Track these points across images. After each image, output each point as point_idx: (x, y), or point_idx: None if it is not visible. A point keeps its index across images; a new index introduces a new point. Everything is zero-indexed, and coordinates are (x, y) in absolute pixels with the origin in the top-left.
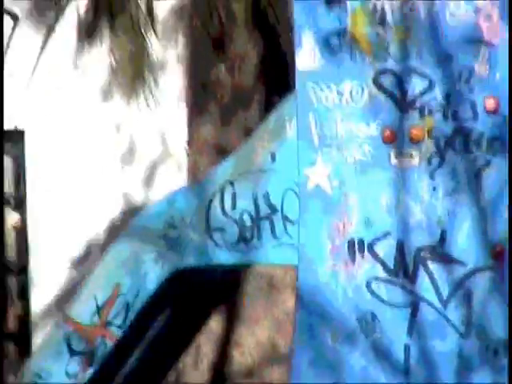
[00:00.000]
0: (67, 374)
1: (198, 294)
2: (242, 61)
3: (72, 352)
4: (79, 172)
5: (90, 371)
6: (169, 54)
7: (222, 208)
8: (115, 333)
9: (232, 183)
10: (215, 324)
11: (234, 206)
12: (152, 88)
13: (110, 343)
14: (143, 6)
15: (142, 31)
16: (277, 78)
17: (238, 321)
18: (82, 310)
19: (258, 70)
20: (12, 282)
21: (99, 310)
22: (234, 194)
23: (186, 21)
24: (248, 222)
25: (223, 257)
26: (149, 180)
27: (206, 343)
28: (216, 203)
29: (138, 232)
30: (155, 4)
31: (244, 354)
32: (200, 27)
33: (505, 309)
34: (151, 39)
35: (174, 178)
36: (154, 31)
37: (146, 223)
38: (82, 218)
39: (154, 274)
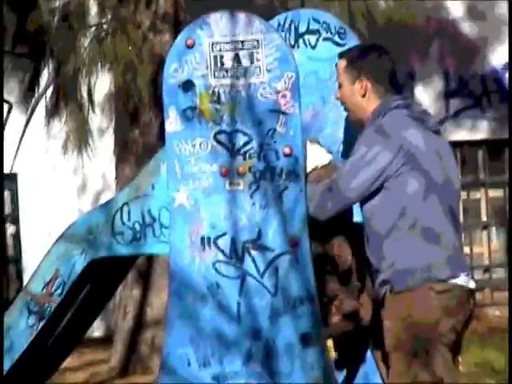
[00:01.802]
0: (28, 325)
1: (107, 272)
2: (148, 127)
3: (29, 312)
4: (54, 197)
5: (42, 323)
6: (103, 123)
7: (121, 219)
8: (56, 300)
9: (128, 204)
10: (136, 291)
11: (128, 218)
12: (92, 146)
13: (53, 306)
14: (86, 95)
15: (85, 110)
16: None
17: (151, 289)
18: (36, 286)
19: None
20: (11, 269)
21: (46, 285)
22: (128, 211)
23: (112, 102)
24: (138, 228)
25: (123, 251)
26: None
27: (129, 304)
28: (118, 217)
29: (69, 236)
30: (94, 93)
31: (153, 310)
32: (121, 106)
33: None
34: (91, 114)
35: None
36: (93, 110)
37: (75, 230)
38: (56, 227)
39: (79, 262)
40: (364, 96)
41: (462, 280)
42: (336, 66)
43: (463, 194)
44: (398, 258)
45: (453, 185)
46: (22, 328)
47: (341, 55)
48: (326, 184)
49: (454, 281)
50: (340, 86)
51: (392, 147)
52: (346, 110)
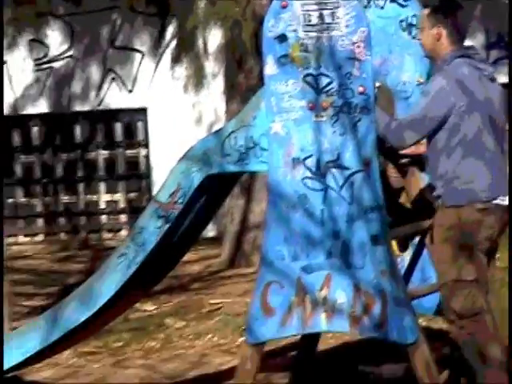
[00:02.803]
0: (156, 226)
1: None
2: (251, 71)
3: (158, 216)
4: (177, 127)
5: (167, 226)
6: (215, 68)
7: (230, 144)
8: (178, 207)
9: (235, 131)
10: (241, 201)
11: (235, 143)
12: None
13: (176, 212)
14: (202, 46)
15: (201, 58)
16: None
17: (252, 200)
18: (163, 196)
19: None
20: (143, 183)
21: (171, 195)
22: (235, 137)
23: (223, 52)
24: (243, 150)
25: (231, 168)
26: (208, 131)
27: (236, 211)
28: (227, 142)
29: (189, 157)
30: (208, 44)
31: (255, 216)
32: (229, 55)
33: (370, 190)
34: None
35: None
36: (207, 58)
37: (194, 152)
38: (178, 150)
39: (197, 178)
40: (438, 40)
41: (499, 200)
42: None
43: None
44: (448, 178)
45: (498, 113)
46: (152, 229)
47: (426, 5)
48: (405, 119)
49: (493, 202)
50: (421, 30)
51: (453, 89)
52: (423, 49)
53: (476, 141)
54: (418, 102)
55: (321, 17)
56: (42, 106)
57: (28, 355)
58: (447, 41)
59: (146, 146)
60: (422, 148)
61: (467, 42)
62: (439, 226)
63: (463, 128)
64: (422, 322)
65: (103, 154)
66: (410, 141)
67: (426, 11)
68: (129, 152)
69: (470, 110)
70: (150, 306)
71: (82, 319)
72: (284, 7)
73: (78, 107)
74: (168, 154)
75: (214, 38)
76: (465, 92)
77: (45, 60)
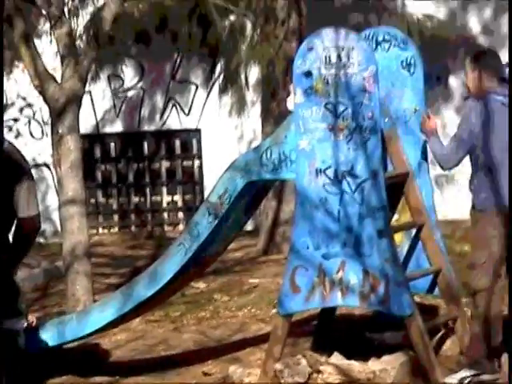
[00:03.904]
0: (208, 221)
1: (257, 188)
2: (282, 100)
3: (209, 213)
4: (223, 143)
5: (216, 221)
6: (254, 97)
7: (266, 157)
8: (225, 207)
9: (270, 147)
10: (273, 202)
11: (271, 156)
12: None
13: (223, 211)
14: (243, 80)
15: (243, 89)
16: None
17: (283, 201)
18: (213, 197)
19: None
20: (196, 188)
21: (219, 197)
22: (270, 151)
23: (260, 85)
24: (276, 162)
25: (267, 176)
26: (248, 147)
27: (270, 210)
28: (264, 155)
29: (234, 167)
30: (249, 78)
31: (285, 214)
32: (265, 87)
33: (377, 194)
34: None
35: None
36: (248, 89)
37: (237, 163)
38: (224, 162)
39: (240, 183)
40: (478, 81)
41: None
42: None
43: None
44: (476, 192)
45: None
46: (205, 224)
47: (467, 54)
48: (450, 144)
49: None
50: (465, 73)
51: (483, 118)
52: (467, 88)
53: (497, 159)
54: (457, 127)
55: (339, 57)
56: (117, 126)
57: (107, 321)
58: (485, 81)
59: (200, 158)
60: None
61: (452, 79)
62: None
63: (487, 149)
64: (417, 298)
65: (165, 164)
66: (458, 162)
67: (469, 59)
68: (185, 163)
69: (494, 136)
70: (201, 284)
71: (149, 294)
72: (310, 49)
73: (146, 127)
74: (217, 165)
75: (253, 73)
76: (492, 122)
77: (120, 90)
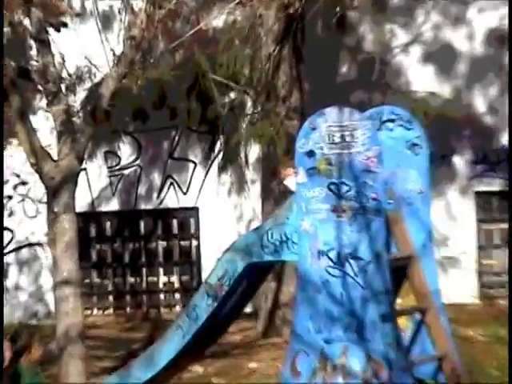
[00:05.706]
0: (207, 304)
1: (257, 270)
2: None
3: (208, 295)
4: (222, 223)
5: (216, 303)
6: (254, 176)
7: (267, 238)
8: (225, 289)
9: (271, 228)
10: (273, 284)
11: (272, 237)
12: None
13: (223, 293)
14: (243, 158)
15: (243, 168)
16: None
17: (283, 283)
18: (212, 279)
19: None
20: (194, 269)
21: (219, 279)
22: (272, 233)
23: (260, 163)
24: (277, 244)
25: (268, 258)
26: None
27: (269, 292)
28: (265, 236)
29: (234, 248)
30: (249, 157)
31: (285, 296)
32: (265, 166)
33: (380, 278)
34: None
35: None
36: (248, 167)
37: (237, 245)
38: (223, 243)
39: (240, 265)
40: None
41: None
42: None
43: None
44: None
45: None
46: (204, 306)
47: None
48: None
49: None
50: None
51: None
52: None
53: None
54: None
55: (342, 137)
56: (113, 205)
57: None
58: None
59: (197, 238)
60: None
61: (457, 159)
62: None
63: None
64: None
65: (162, 244)
66: None
67: None
68: (183, 243)
69: None
70: (199, 368)
71: (146, 378)
72: (313, 129)
73: (143, 206)
74: (215, 245)
75: (253, 151)
76: None
77: (117, 168)
